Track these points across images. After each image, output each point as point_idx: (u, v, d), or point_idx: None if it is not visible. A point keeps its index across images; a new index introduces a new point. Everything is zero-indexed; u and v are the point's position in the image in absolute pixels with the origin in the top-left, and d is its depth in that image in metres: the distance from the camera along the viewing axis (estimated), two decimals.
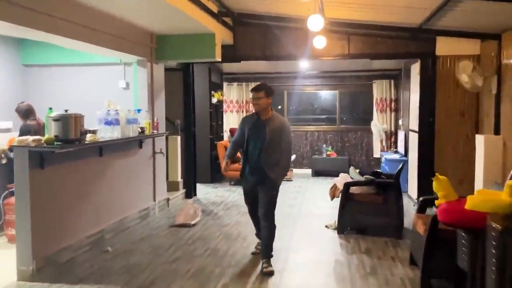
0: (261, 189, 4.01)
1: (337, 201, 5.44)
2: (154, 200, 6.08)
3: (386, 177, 5.32)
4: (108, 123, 4.64)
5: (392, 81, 9.53)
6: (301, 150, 10.08)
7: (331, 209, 6.15)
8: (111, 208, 5.05)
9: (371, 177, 5.03)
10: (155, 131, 5.65)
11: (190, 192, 7.22)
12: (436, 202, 3.05)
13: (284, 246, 4.73)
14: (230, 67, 9.54)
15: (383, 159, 8.74)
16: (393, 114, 9.58)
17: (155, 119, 5.80)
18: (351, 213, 5.10)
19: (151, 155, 5.99)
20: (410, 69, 7.56)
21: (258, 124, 3.99)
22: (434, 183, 3.06)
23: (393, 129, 9.57)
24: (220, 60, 6.22)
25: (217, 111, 9.35)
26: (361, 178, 5.15)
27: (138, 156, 5.66)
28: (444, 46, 6.28)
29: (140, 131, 5.27)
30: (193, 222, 5.48)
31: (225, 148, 8.39)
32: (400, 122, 8.92)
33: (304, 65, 9.13)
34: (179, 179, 7.10)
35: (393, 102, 9.57)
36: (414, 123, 7.09)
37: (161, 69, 6.33)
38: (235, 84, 10.09)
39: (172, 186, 6.97)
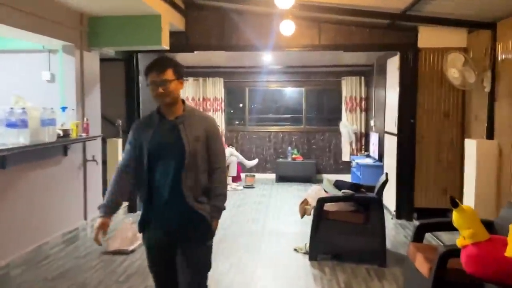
0: (186, 241, 2.29)
1: (307, 217, 4.55)
2: (85, 218, 4.96)
3: (366, 189, 4.47)
4: (11, 125, 3.50)
5: (363, 78, 8.77)
6: (264, 153, 9.15)
7: (299, 226, 5.24)
8: (21, 234, 3.91)
9: (350, 191, 4.15)
10: (83, 135, 4.54)
11: (134, 205, 6.11)
12: (459, 242, 2.18)
13: (246, 281, 3.76)
14: (184, 59, 8.45)
15: (354, 163, 7.96)
16: (363, 114, 8.82)
17: (85, 119, 4.68)
18: (325, 235, 4.20)
19: (81, 164, 4.86)
20: (385, 64, 6.79)
21: (164, 128, 2.28)
22: (455, 216, 2.19)
23: (363, 130, 8.82)
24: (167, 48, 5.17)
25: None
26: (338, 193, 4.27)
27: (62, 166, 4.53)
28: (427, 37, 5.52)
29: (62, 134, 4.15)
30: (131, 248, 4.41)
31: None
32: (372, 123, 8.17)
33: (267, 58, 8.20)
34: None
35: (364, 101, 8.81)
36: (391, 125, 6.31)
37: (95, 58, 5.20)
38: (190, 79, 9.02)
39: None
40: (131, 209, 6.09)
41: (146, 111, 7.44)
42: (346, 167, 8.92)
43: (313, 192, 4.45)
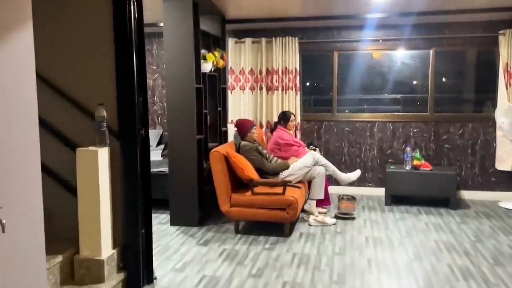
0: None
1: None
2: None
3: None
4: None
5: None
6: (362, 156, 5.82)
7: None
8: None
9: None
10: None
11: (138, 277, 3.09)
12: None
13: None
14: (239, 7, 5.28)
15: None
16: None
17: None
18: None
19: None
20: None
21: None
22: None
23: None
24: None
25: (214, 88, 5.15)
26: None
27: None
28: None
29: None
30: None
31: (226, 159, 4.26)
32: None
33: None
34: (108, 251, 2.96)
35: None
36: None
37: None
38: (247, 40, 5.83)
39: (86, 274, 2.87)
40: (134, 284, 3.06)
41: (174, 93, 4.45)
42: (505, 182, 5.40)
43: None
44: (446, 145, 5.59)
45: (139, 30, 3.05)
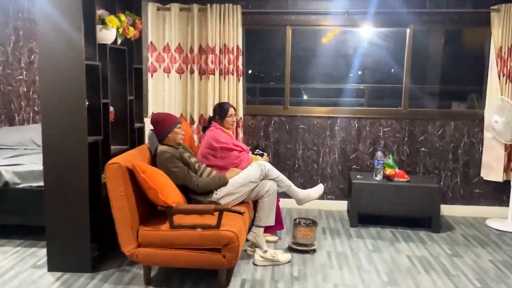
0: None
1: None
2: None
3: None
4: None
5: None
6: (320, 161, 4.60)
7: None
8: None
9: None
10: None
11: None
12: None
13: None
14: None
15: None
16: None
17: None
18: None
19: None
20: None
21: None
22: None
23: None
24: None
25: (121, 68, 3.62)
26: None
27: None
28: None
29: None
30: None
31: (132, 173, 2.82)
32: None
33: None
34: None
35: None
36: None
37: None
38: (174, 6, 4.36)
39: None
40: None
41: (51, 72, 2.87)
42: (491, 195, 4.42)
43: None
44: (423, 149, 4.50)
45: None
